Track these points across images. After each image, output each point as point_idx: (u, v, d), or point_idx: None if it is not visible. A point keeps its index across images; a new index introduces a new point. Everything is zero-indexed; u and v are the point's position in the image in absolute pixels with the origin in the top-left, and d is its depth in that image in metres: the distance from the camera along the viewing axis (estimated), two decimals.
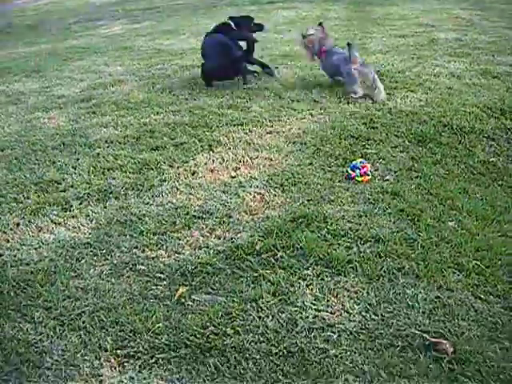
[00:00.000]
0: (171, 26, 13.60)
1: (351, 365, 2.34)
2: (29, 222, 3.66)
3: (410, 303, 2.65)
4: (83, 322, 2.65)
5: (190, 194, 3.91)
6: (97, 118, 5.82)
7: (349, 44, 5.71)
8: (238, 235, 3.33)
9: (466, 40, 9.09)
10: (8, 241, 3.45)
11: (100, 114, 5.95)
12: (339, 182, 3.97)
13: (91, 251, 3.26)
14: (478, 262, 2.92)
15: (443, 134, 4.75)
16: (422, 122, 5.01)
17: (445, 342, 2.39)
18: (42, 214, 3.74)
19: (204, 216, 3.59)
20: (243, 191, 3.90)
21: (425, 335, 2.44)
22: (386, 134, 4.76)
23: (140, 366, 2.40)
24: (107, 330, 2.59)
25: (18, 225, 3.63)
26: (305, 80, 6.51)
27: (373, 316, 2.58)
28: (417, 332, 2.46)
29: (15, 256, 3.26)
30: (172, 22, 14.51)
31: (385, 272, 2.89)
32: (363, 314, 2.60)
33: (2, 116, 6.25)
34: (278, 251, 3.11)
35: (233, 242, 3.24)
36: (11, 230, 3.57)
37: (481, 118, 5.11)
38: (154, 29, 13.32)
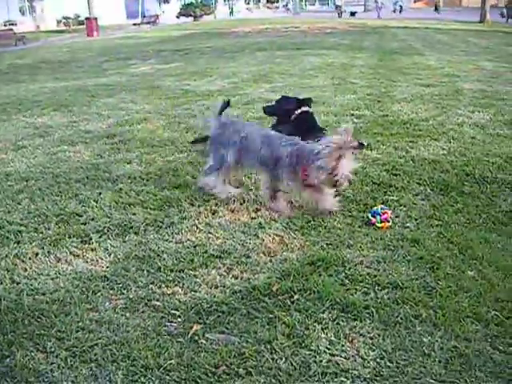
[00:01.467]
0: (199, 67, 13.83)
1: None
2: (48, 252, 3.68)
3: (427, 352, 2.60)
4: (95, 355, 2.63)
5: (210, 232, 3.92)
6: (121, 154, 5.90)
7: None
8: (255, 276, 3.31)
9: (490, 91, 9.13)
10: (26, 269, 3.46)
11: (125, 150, 6.03)
12: (359, 227, 3.95)
13: (108, 284, 3.26)
14: (498, 313, 2.86)
15: (465, 183, 4.72)
16: (444, 171, 4.99)
17: None
18: (61, 245, 3.76)
19: (222, 255, 3.58)
20: (263, 232, 3.89)
21: None
22: (408, 182, 4.75)
23: None
24: (119, 363, 2.57)
25: (36, 254, 3.65)
26: (327, 123, 6.53)
27: (388, 363, 2.53)
28: (432, 381, 2.41)
29: (32, 285, 3.27)
30: (200, 63, 14.75)
31: (402, 319, 2.84)
32: (378, 360, 2.55)
33: (29, 148, 6.36)
34: (295, 294, 3.09)
35: (249, 283, 3.23)
36: (30, 259, 3.60)
37: (504, 168, 5.08)
38: (182, 70, 13.55)
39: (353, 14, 48.24)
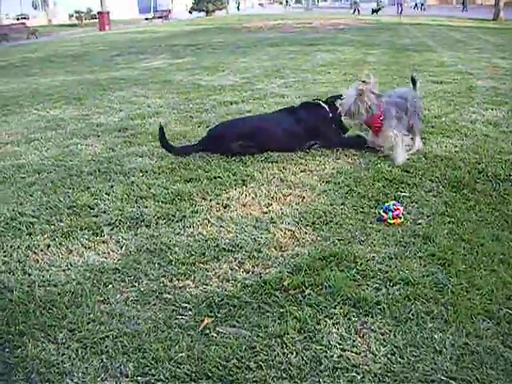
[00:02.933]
0: (211, 62, 13.82)
1: None
2: (59, 244, 3.69)
3: (438, 348, 2.59)
4: (106, 347, 2.64)
5: (221, 226, 3.92)
6: (133, 148, 5.91)
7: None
8: (267, 270, 3.31)
9: (503, 88, 9.08)
10: (38, 261, 3.48)
11: (136, 144, 6.04)
12: (371, 223, 3.94)
13: (119, 277, 3.27)
14: (510, 311, 2.85)
15: (478, 180, 4.70)
16: (456, 168, 4.97)
17: None
18: (73, 238, 3.77)
19: (233, 249, 3.58)
20: (274, 227, 3.89)
21: (451, 382, 2.38)
22: (420, 178, 4.73)
23: None
24: (129, 355, 2.58)
25: (48, 246, 3.67)
26: None
27: (399, 359, 2.52)
28: (443, 378, 2.40)
29: (43, 276, 3.28)
30: (212, 58, 14.75)
31: (413, 315, 2.83)
32: (389, 356, 2.55)
33: (41, 140, 6.39)
34: (306, 288, 3.08)
35: (261, 277, 3.22)
36: (41, 250, 3.61)
37: None
38: (194, 64, 13.56)
39: (375, 11, 46.51)
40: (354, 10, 47.21)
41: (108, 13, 39.54)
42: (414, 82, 5.55)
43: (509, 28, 28.46)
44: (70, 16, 51.12)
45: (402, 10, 44.46)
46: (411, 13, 44.59)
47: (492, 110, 7.39)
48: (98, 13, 40.81)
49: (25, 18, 43.50)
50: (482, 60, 13.34)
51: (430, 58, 13.69)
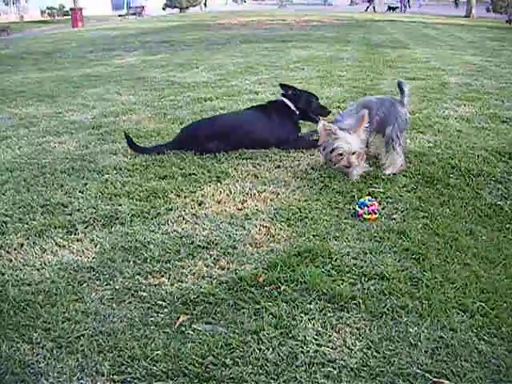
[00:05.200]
0: (185, 59, 13.77)
1: None
2: (33, 243, 3.65)
3: (413, 342, 2.61)
4: (81, 346, 2.62)
5: (196, 223, 3.91)
6: (107, 145, 5.86)
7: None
8: (242, 267, 3.31)
9: (476, 85, 9.18)
10: (11, 260, 3.44)
11: (110, 141, 6.00)
12: (345, 218, 3.96)
13: (94, 275, 3.24)
14: (483, 304, 2.88)
15: (451, 175, 4.74)
16: (430, 163, 5.01)
17: (447, 382, 2.36)
18: (46, 236, 3.74)
19: (209, 246, 3.57)
20: (249, 223, 3.89)
21: (427, 375, 2.40)
22: (394, 174, 4.76)
23: None
24: (105, 354, 2.56)
25: (22, 245, 3.62)
26: None
27: (374, 353, 2.54)
28: (419, 371, 2.42)
29: (17, 276, 3.24)
30: (186, 55, 14.69)
31: (388, 310, 2.86)
32: (365, 350, 2.56)
33: (14, 138, 6.30)
34: (282, 284, 3.09)
35: (236, 274, 3.22)
36: (15, 250, 3.57)
37: (489, 161, 5.11)
38: (168, 61, 13.48)
39: (391, 8, 45.39)
40: (368, 7, 45.60)
41: (81, 9, 39.05)
42: (401, 88, 5.02)
43: (480, 25, 28.75)
44: (43, 12, 50.47)
45: (405, 8, 44.25)
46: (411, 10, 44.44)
47: (465, 105, 7.47)
48: (71, 9, 40.27)
49: None
50: (454, 56, 13.47)
51: (403, 54, 13.78)
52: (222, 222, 3.91)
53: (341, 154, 4.60)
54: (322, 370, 2.45)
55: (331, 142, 4.60)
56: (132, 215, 4.03)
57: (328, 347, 2.59)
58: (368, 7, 45.41)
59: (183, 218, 3.98)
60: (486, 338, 2.64)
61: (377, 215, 3.95)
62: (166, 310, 2.90)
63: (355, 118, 4.67)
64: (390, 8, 45.33)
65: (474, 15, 36.98)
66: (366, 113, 4.57)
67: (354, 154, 4.59)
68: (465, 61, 12.57)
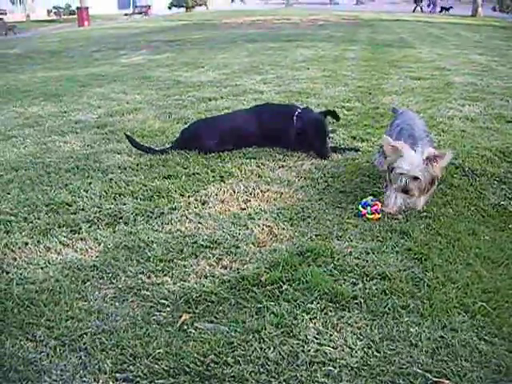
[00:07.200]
0: (190, 58, 13.79)
1: None
2: (37, 241, 3.68)
3: (414, 342, 2.62)
4: (84, 344, 2.64)
5: (199, 223, 3.92)
6: (111, 144, 5.89)
7: None
8: (245, 266, 3.32)
9: (481, 84, 9.16)
10: (15, 259, 3.46)
11: (115, 141, 6.02)
12: (348, 218, 3.97)
13: (97, 274, 3.26)
14: (484, 304, 2.89)
15: (455, 175, 4.75)
16: None
17: (447, 382, 2.36)
18: (50, 235, 3.76)
19: (212, 245, 3.59)
20: (252, 223, 3.90)
21: (427, 374, 2.41)
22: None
23: None
24: (108, 352, 2.58)
25: (26, 244, 3.65)
26: None
27: (375, 353, 2.55)
28: (419, 371, 2.43)
29: (21, 274, 3.27)
30: (191, 54, 14.71)
31: (389, 309, 2.86)
32: (365, 350, 2.57)
33: (19, 137, 6.34)
34: (284, 284, 3.10)
35: (239, 273, 3.24)
36: (19, 248, 3.59)
37: (493, 161, 5.10)
38: (173, 60, 13.51)
39: (445, 9, 43.88)
40: (415, 8, 44.77)
41: (87, 8, 39.19)
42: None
43: (486, 24, 28.67)
44: (49, 12, 50.62)
45: (434, 8, 43.72)
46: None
47: (469, 105, 7.46)
48: (77, 8, 40.43)
49: (2, 14, 42.97)
50: (459, 56, 13.45)
51: (408, 54, 13.76)
52: (225, 222, 3.93)
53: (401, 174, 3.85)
54: (323, 368, 2.46)
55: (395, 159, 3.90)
56: (136, 214, 4.05)
57: (329, 346, 2.60)
58: (415, 7, 45.00)
59: (187, 218, 4.00)
60: (486, 338, 2.65)
61: (380, 215, 3.96)
62: (168, 308, 2.92)
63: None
64: (443, 8, 44.72)
65: (481, 14, 36.88)
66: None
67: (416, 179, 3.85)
68: (470, 60, 12.54)
